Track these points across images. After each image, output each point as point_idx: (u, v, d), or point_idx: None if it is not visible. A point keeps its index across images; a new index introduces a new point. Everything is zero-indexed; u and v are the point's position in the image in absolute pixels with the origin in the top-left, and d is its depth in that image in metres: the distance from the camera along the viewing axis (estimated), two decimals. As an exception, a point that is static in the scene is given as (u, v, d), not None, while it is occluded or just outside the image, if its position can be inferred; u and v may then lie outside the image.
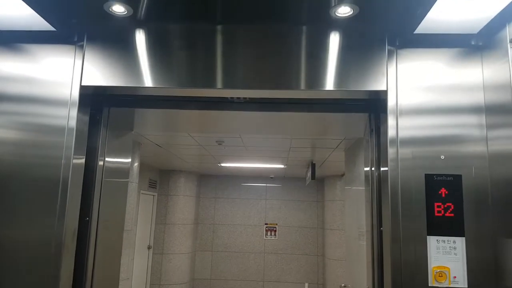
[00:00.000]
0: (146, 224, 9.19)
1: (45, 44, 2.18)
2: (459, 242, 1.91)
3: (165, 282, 9.47)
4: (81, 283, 2.18)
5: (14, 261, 2.00)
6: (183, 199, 9.90)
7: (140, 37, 2.17)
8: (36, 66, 2.17)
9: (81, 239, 2.18)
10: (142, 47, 2.16)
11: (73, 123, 2.09)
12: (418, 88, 2.06)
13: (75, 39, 2.18)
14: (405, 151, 2.00)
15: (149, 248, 9.38)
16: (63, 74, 2.14)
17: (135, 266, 8.41)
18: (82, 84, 2.13)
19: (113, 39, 2.17)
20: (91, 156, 2.28)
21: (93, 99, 2.27)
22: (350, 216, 5.09)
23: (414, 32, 2.03)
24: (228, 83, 2.14)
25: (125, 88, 2.17)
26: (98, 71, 2.14)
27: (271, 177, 10.68)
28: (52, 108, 2.12)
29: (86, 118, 2.23)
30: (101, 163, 2.34)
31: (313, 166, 7.55)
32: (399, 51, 2.10)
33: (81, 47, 2.16)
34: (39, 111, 2.13)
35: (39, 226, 2.02)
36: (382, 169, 2.15)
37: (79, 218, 2.17)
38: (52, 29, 2.11)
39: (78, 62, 2.15)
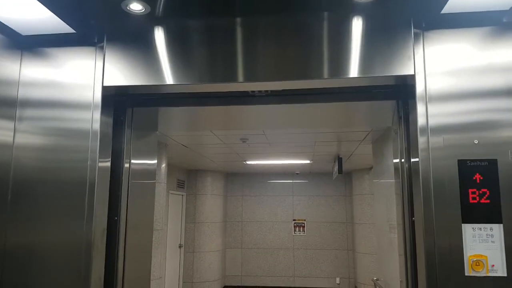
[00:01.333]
0: (176, 223, 9.31)
1: (66, 47, 2.20)
2: (497, 229, 1.81)
3: (197, 279, 9.57)
4: (112, 283, 2.20)
5: (45, 264, 2.04)
6: (211, 198, 9.97)
7: (159, 35, 2.16)
8: (58, 69, 2.19)
9: (111, 240, 2.21)
10: (162, 44, 2.16)
11: (97, 125, 2.10)
12: (448, 72, 1.96)
13: (95, 40, 2.19)
14: (436, 139, 1.91)
15: (180, 247, 9.49)
16: (85, 76, 2.16)
17: (167, 265, 8.53)
18: (104, 84, 2.14)
19: (132, 38, 2.17)
20: (117, 158, 2.30)
21: (116, 100, 2.28)
22: (379, 210, 4.99)
23: (441, 12, 1.93)
24: (250, 76, 2.11)
25: (146, 86, 2.17)
26: (119, 71, 2.15)
27: (297, 173, 10.61)
28: (75, 112, 2.14)
29: (110, 120, 2.25)
30: (127, 165, 2.35)
31: (339, 160, 7.44)
32: (426, 33, 2.00)
33: (101, 48, 2.18)
34: (63, 115, 2.15)
35: (68, 228, 2.04)
36: (412, 160, 2.06)
37: (108, 219, 2.20)
38: (72, 31, 2.13)
39: (99, 63, 2.16)
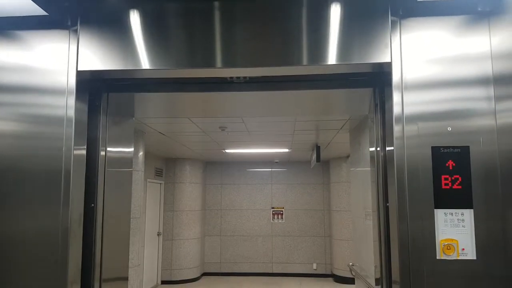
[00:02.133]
0: (154, 211, 9.25)
1: (38, 30, 2.13)
2: (467, 214, 1.87)
3: (176, 266, 9.58)
4: (90, 270, 2.18)
5: (22, 251, 2.01)
6: (190, 186, 9.94)
7: (135, 18, 2.11)
8: (29, 53, 2.12)
9: (88, 227, 2.18)
10: (138, 28, 2.11)
11: (71, 111, 2.05)
12: (423, 60, 1.99)
13: (69, 23, 2.12)
14: (411, 127, 1.95)
15: (158, 234, 9.45)
16: (58, 60, 2.10)
17: (146, 252, 8.49)
18: (79, 69, 2.08)
19: (107, 21, 2.11)
20: (93, 145, 2.25)
21: (91, 85, 2.23)
22: (356, 197, 5.07)
23: (418, 0, 1.95)
24: (228, 62, 2.09)
25: (122, 71, 2.13)
26: (94, 55, 2.10)
27: (276, 162, 10.67)
28: (49, 97, 2.08)
29: (85, 106, 2.20)
30: (102, 152, 2.30)
31: (317, 148, 7.51)
32: (403, 21, 2.02)
33: (75, 31, 2.11)
34: (36, 101, 2.09)
35: (45, 215, 2.01)
36: (387, 148, 2.10)
37: (84, 206, 2.16)
38: (44, 13, 2.05)
39: (73, 47, 2.10)
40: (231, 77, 2.26)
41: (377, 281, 2.24)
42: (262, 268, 10.52)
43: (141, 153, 6.14)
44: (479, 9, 1.98)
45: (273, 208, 10.71)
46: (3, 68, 2.12)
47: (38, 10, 2.03)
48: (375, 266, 2.30)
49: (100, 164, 2.28)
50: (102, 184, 2.28)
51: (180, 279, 9.58)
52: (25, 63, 2.12)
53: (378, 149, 2.21)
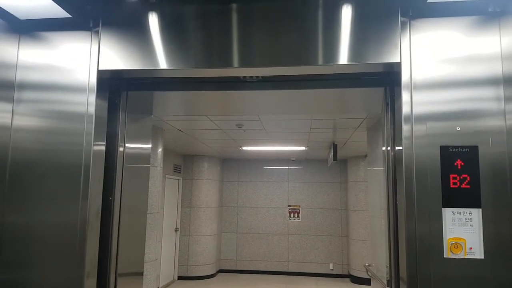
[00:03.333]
0: (172, 207, 9.41)
1: (62, 31, 2.25)
2: (475, 214, 1.89)
3: (192, 262, 9.72)
4: (106, 262, 2.27)
5: (41, 243, 2.11)
6: (207, 183, 10.06)
7: (153, 20, 2.20)
8: (54, 53, 2.24)
9: (105, 219, 2.27)
10: (156, 29, 2.20)
11: (92, 108, 2.16)
12: (433, 60, 2.02)
13: (91, 25, 2.23)
14: (420, 127, 1.97)
15: (176, 230, 9.61)
16: (81, 60, 2.21)
17: (163, 247, 8.65)
18: (99, 68, 2.18)
19: (127, 23, 2.21)
20: (112, 141, 2.35)
21: (111, 84, 2.33)
22: (373, 197, 5.07)
23: (428, 1, 1.97)
24: (244, 62, 2.16)
25: (141, 71, 2.22)
26: (115, 55, 2.20)
27: (293, 160, 10.69)
28: (71, 95, 2.19)
29: (105, 103, 2.30)
30: (121, 148, 2.40)
31: (335, 147, 7.51)
32: (413, 22, 2.05)
33: (97, 32, 2.22)
34: (59, 98, 2.20)
35: (64, 208, 2.11)
36: (397, 148, 2.13)
37: (103, 200, 2.26)
38: (68, 16, 2.17)
39: (95, 47, 2.21)
40: (245, 76, 2.33)
41: (388, 281, 2.27)
42: (278, 266, 10.56)
43: (160, 150, 6.27)
44: (490, 9, 1.99)
45: (289, 206, 10.74)
46: (29, 67, 2.24)
47: (62, 13, 2.15)
48: (387, 266, 2.33)
49: (119, 159, 2.38)
50: (120, 178, 2.38)
51: (197, 275, 9.71)
52: (50, 62, 2.23)
53: (389, 148, 2.24)
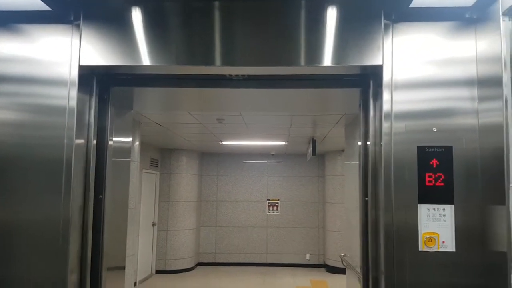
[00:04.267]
0: (149, 202, 9.35)
1: (42, 24, 2.20)
2: (448, 210, 1.98)
3: (170, 257, 9.71)
4: (98, 257, 2.28)
5: (23, 239, 2.09)
6: (186, 177, 10.03)
7: (136, 15, 2.19)
8: (34, 46, 2.19)
9: (96, 218, 2.29)
10: (139, 25, 2.18)
11: (73, 103, 2.13)
12: (413, 62, 2.08)
13: (72, 18, 2.19)
14: (399, 125, 2.05)
15: (153, 225, 9.56)
16: (61, 54, 2.17)
17: (140, 242, 8.61)
18: (81, 64, 2.16)
19: (109, 18, 2.18)
20: (102, 136, 2.35)
21: (99, 79, 2.32)
22: (349, 190, 5.17)
23: (410, 6, 2.03)
24: (227, 60, 2.17)
25: (123, 67, 2.21)
26: (96, 50, 2.17)
27: (272, 154, 10.77)
28: (51, 89, 2.15)
29: (87, 98, 2.28)
30: (110, 142, 2.40)
31: (313, 142, 7.62)
32: (395, 25, 2.11)
33: (78, 26, 2.18)
34: (39, 92, 2.16)
35: (46, 204, 2.09)
36: (367, 142, 2.22)
37: (94, 197, 2.27)
38: (48, 8, 2.12)
39: (76, 41, 2.17)
40: (231, 75, 2.35)
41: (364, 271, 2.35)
42: (256, 258, 10.68)
43: (137, 143, 6.21)
44: (467, 16, 2.07)
45: (268, 200, 10.84)
46: (7, 59, 2.19)
47: (42, 5, 2.09)
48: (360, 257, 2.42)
49: (108, 154, 2.37)
50: (110, 173, 2.38)
51: (175, 269, 9.72)
52: (29, 56, 2.18)
53: (368, 143, 2.30)
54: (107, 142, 2.36)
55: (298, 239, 10.70)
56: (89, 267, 2.24)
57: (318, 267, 10.44)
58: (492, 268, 1.86)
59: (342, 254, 4.60)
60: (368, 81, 2.25)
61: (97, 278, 2.27)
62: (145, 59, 2.17)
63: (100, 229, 2.29)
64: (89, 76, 2.27)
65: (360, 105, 2.35)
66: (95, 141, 2.31)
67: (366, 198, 2.24)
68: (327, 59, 2.11)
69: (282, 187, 10.88)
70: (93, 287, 2.26)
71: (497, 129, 1.86)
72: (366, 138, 2.28)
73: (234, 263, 10.64)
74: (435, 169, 2.00)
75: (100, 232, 2.30)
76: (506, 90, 1.83)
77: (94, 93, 2.31)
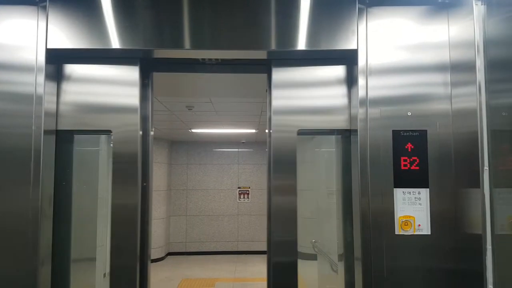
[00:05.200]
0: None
1: (4, 5, 2.06)
2: (424, 193, 2.02)
3: (140, 247, 9.55)
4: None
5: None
6: (155, 166, 9.87)
7: (105, -3, 2.08)
8: (-4, 28, 2.05)
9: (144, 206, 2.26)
10: (108, 6, 2.08)
11: (41, 89, 2.02)
12: (387, 47, 2.10)
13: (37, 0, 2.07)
14: (374, 110, 2.06)
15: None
16: (27, 37, 2.04)
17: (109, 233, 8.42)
18: (48, 47, 2.04)
19: (76, -1, 2.08)
20: None
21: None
22: (319, 176, 5.22)
23: (384, -11, 2.04)
24: (196, 43, 2.11)
25: (92, 50, 2.10)
26: (64, 33, 2.06)
27: (243, 142, 10.76)
28: (17, 75, 2.03)
29: (54, 84, 2.16)
30: None
31: (284, 129, 7.63)
32: (369, 9, 2.11)
33: (44, 7, 2.06)
34: (2, 78, 2.03)
35: (14, 194, 1.99)
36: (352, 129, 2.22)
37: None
38: (12, -12, 2.00)
39: (42, 24, 2.05)
40: (203, 59, 2.28)
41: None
42: (227, 246, 10.70)
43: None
44: (439, 0, 2.09)
45: (239, 188, 10.84)
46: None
47: (3, -15, 1.97)
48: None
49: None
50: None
51: (146, 258, 9.58)
52: (-9, 39, 2.05)
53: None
54: None
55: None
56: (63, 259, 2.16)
57: (289, 253, 10.57)
58: (468, 250, 1.91)
59: (313, 240, 4.65)
60: (348, 64, 2.24)
61: (67, 269, 2.20)
62: (114, 42, 2.08)
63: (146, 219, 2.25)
64: (54, 60, 2.14)
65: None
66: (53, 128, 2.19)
67: (346, 185, 2.24)
68: (301, 43, 2.09)
69: (253, 175, 10.90)
70: (64, 278, 2.18)
71: (470, 114, 1.91)
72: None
73: (205, 252, 10.63)
74: (410, 153, 2.03)
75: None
76: (479, 75, 1.86)
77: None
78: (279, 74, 2.24)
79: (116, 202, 2.14)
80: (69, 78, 2.22)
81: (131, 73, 2.21)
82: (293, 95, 2.23)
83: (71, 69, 2.22)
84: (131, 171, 2.15)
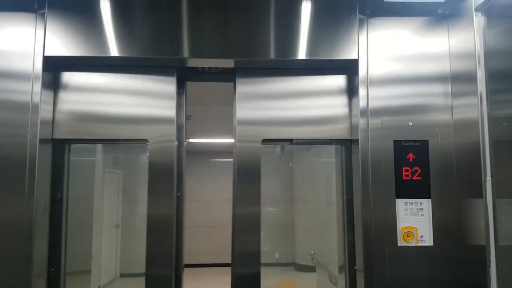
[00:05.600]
0: (112, 202, 9.04)
1: (2, 12, 2.04)
2: (426, 204, 2.00)
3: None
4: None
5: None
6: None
7: (104, 4, 2.07)
8: (-7, 36, 2.03)
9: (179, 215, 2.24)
10: (107, 15, 2.07)
11: (37, 98, 1.99)
12: (388, 57, 2.10)
13: (36, 6, 2.05)
14: (375, 121, 2.05)
15: (117, 226, 9.27)
16: (24, 45, 2.02)
17: (103, 244, 8.30)
18: (46, 54, 2.02)
19: (76, 7, 2.06)
20: None
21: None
22: (319, 187, 5.18)
23: (385, 0, 2.04)
24: (195, 52, 2.10)
25: (90, 58, 2.08)
26: (61, 41, 2.04)
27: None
28: (13, 83, 2.00)
29: (51, 92, 2.13)
30: None
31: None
32: (370, 20, 2.11)
33: (43, 15, 2.04)
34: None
35: (8, 204, 1.94)
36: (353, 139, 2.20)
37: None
38: (10, -5, 1.98)
39: (40, 31, 2.03)
40: (203, 67, 2.27)
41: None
42: (223, 259, 10.56)
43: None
44: (439, 11, 2.11)
45: (235, 198, 10.78)
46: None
47: (3, -8, 1.95)
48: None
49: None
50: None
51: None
52: (-11, 47, 2.02)
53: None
54: None
55: (266, 238, 10.69)
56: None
57: (287, 265, 10.45)
58: (471, 262, 1.89)
59: (312, 252, 4.59)
60: (350, 75, 2.24)
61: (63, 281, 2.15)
62: (113, 50, 2.07)
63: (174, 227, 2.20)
64: (52, 68, 2.12)
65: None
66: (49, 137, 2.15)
67: (346, 197, 2.23)
68: (301, 53, 2.09)
69: (249, 185, 10.84)
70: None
71: (471, 124, 1.90)
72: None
73: (200, 264, 10.51)
74: (412, 163, 2.01)
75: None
76: (480, 86, 1.86)
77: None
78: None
79: (152, 212, 2.11)
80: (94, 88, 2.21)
81: (168, 83, 2.19)
82: (290, 105, 2.22)
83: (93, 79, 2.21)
84: (167, 181, 2.13)
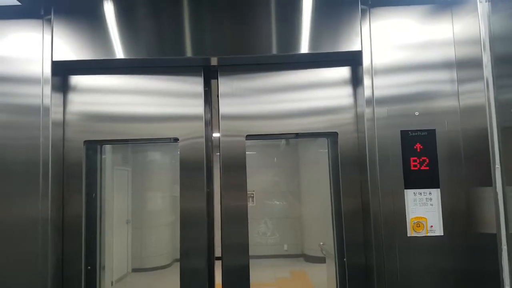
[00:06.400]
0: (123, 198, 9.12)
1: (11, 19, 2.07)
2: (435, 194, 2.00)
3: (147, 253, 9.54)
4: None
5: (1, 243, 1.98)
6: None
7: (108, 7, 2.09)
8: (2, 43, 2.06)
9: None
10: (111, 17, 2.09)
11: (47, 101, 2.03)
12: (391, 47, 2.09)
13: (42, 13, 2.08)
14: (381, 110, 2.05)
15: (127, 222, 9.36)
16: (33, 50, 2.06)
17: (114, 241, 8.41)
18: (54, 59, 2.05)
19: (81, 11, 2.09)
20: None
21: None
22: (326, 178, 5.17)
23: (386, -11, 2.04)
24: (198, 50, 2.11)
25: (96, 61, 2.11)
26: (68, 45, 2.07)
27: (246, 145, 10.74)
28: (24, 87, 2.04)
29: (60, 95, 2.17)
30: None
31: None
32: (372, 10, 2.10)
33: (49, 20, 2.07)
34: (10, 91, 2.04)
35: (23, 206, 1.99)
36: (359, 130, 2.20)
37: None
38: (17, 3, 2.01)
39: (47, 36, 2.06)
40: (207, 65, 2.28)
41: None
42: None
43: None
44: (443, -2, 2.09)
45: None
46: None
47: (10, 0, 1.98)
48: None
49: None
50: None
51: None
52: (-1, 53, 2.05)
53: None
54: None
55: (275, 230, 10.75)
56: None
57: (296, 257, 10.50)
58: (482, 250, 1.89)
59: (322, 243, 4.61)
60: (353, 64, 2.23)
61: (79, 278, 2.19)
62: (118, 52, 2.09)
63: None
64: (60, 73, 2.15)
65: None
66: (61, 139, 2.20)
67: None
68: (303, 47, 2.09)
69: (257, 179, 10.87)
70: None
71: (478, 110, 1.89)
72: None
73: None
74: (419, 153, 2.01)
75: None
76: (486, 71, 1.85)
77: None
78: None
79: (184, 207, 2.19)
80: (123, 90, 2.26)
81: (196, 82, 2.24)
82: (295, 97, 2.24)
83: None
84: (198, 176, 2.20)
